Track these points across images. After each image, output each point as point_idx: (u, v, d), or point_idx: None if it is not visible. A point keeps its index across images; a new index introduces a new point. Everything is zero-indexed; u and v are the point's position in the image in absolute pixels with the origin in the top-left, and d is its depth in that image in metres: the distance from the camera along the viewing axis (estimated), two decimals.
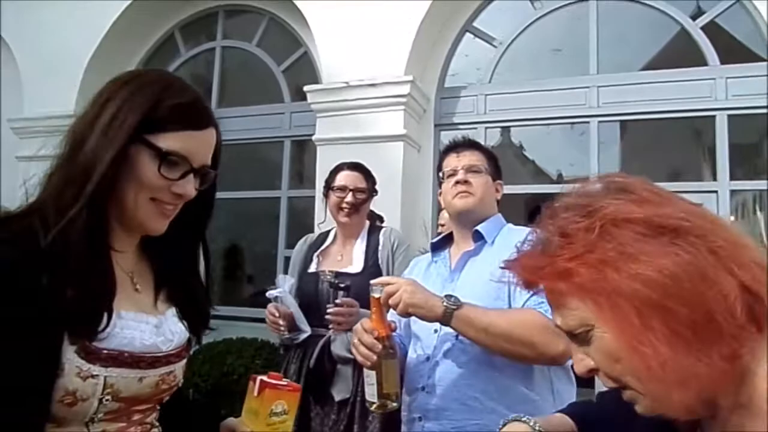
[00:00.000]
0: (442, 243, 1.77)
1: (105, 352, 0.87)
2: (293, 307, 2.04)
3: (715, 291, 0.64)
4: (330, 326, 1.98)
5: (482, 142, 1.94)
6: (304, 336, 2.04)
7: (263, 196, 6.09)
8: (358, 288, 1.96)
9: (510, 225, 1.71)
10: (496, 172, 1.74)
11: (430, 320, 1.41)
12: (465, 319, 1.38)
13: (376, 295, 1.36)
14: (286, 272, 2.29)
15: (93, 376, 0.85)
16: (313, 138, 5.19)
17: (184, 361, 1.04)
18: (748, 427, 0.66)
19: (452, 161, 1.71)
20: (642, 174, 0.79)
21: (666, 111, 4.64)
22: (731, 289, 0.65)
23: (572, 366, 0.78)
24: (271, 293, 2.05)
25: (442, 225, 4.27)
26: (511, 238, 1.58)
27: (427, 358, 1.56)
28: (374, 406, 1.35)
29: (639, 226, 0.68)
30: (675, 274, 0.65)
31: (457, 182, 1.66)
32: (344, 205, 2.12)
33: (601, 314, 0.68)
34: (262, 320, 2.08)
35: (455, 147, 1.75)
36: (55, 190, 0.88)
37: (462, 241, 1.70)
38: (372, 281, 1.41)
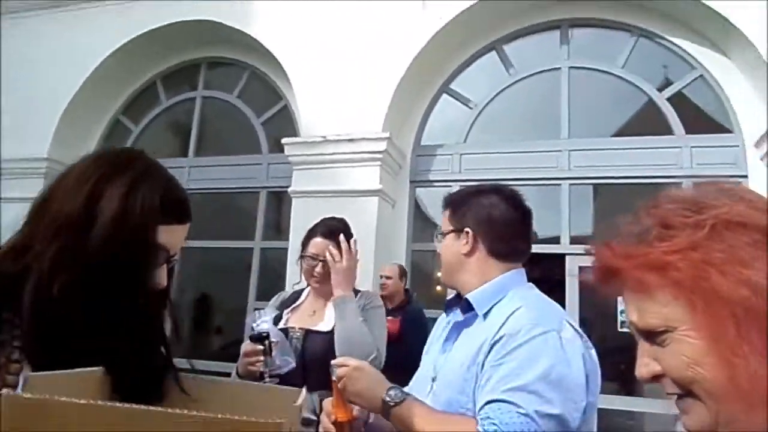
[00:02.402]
0: (456, 302, 1.49)
1: None
2: (279, 337, 1.94)
3: None
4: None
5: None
6: (289, 368, 1.94)
7: (236, 246, 6.03)
8: (328, 345, 1.92)
9: (520, 288, 1.41)
10: (462, 219, 1.47)
11: (373, 412, 1.32)
12: (400, 419, 1.26)
13: (334, 378, 1.30)
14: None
15: None
16: (289, 190, 5.20)
17: None
18: None
19: None
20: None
21: (635, 177, 4.78)
22: None
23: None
24: (255, 326, 1.93)
25: (388, 278, 4.14)
26: (510, 307, 1.33)
27: None
28: None
29: (755, 233, 0.62)
30: None
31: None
32: (315, 274, 2.11)
33: (694, 316, 0.63)
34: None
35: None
36: (50, 262, 0.84)
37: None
38: (332, 361, 1.35)
